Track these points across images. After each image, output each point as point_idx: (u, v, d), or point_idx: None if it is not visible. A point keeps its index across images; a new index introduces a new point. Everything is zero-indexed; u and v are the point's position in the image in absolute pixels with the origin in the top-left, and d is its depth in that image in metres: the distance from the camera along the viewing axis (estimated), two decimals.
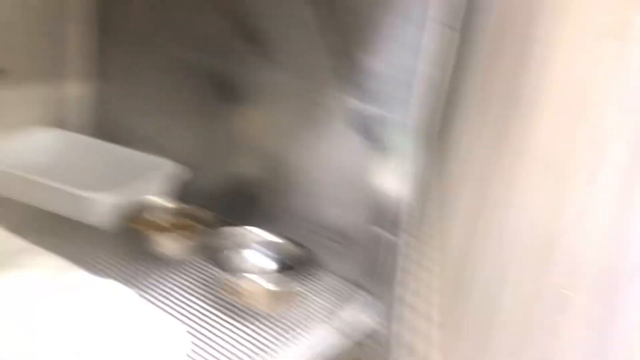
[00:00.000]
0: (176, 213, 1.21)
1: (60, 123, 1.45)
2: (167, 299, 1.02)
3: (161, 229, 1.15)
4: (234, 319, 0.99)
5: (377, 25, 1.04)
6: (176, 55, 1.32)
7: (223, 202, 1.28)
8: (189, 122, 1.36)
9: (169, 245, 1.12)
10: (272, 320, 1.01)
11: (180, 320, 0.96)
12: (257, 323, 0.99)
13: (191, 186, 1.30)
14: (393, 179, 1.09)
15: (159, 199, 1.22)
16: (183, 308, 1.00)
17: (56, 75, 1.44)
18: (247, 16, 1.19)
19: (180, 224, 1.17)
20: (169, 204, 1.23)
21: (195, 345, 0.91)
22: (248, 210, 1.29)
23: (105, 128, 1.48)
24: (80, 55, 1.46)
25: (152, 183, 1.25)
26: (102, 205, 1.11)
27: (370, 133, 1.09)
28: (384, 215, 1.10)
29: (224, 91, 1.27)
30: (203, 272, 1.12)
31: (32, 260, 0.96)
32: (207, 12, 1.25)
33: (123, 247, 1.14)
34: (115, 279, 0.97)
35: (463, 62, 1.04)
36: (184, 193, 1.29)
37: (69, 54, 1.45)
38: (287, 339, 0.97)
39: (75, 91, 1.47)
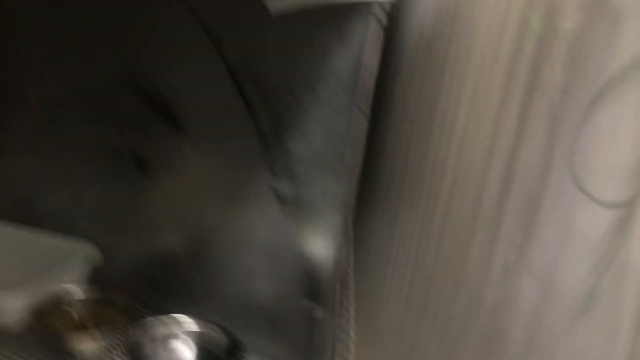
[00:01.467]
0: (92, 303, 1.15)
1: None
2: None
3: (76, 325, 1.09)
4: None
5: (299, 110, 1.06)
6: (85, 128, 1.27)
7: (144, 282, 1.24)
8: (103, 196, 1.31)
9: (85, 343, 1.06)
10: None
11: None
12: None
13: (109, 266, 1.26)
14: (316, 251, 1.09)
15: (73, 289, 1.17)
16: None
17: None
18: (167, 96, 1.17)
19: (98, 316, 1.12)
20: (84, 293, 1.17)
21: None
22: (170, 291, 1.25)
23: (16, 206, 1.40)
24: None
25: (66, 271, 1.19)
26: (10, 304, 1.05)
27: (292, 206, 1.09)
28: (311, 287, 1.10)
29: (139, 165, 1.24)
30: None
31: None
32: (123, 88, 1.21)
33: (35, 348, 1.07)
34: None
35: (375, 145, 1.07)
36: (100, 275, 1.24)
37: None
38: None
39: None
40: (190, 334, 1.10)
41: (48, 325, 1.07)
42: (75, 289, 1.16)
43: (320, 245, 1.08)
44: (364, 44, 0.98)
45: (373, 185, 1.07)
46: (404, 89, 0.90)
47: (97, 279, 1.23)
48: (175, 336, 1.09)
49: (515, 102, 0.32)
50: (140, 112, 1.19)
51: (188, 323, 1.10)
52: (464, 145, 0.41)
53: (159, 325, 1.09)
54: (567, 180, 0.25)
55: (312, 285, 1.10)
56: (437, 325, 0.41)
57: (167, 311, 1.12)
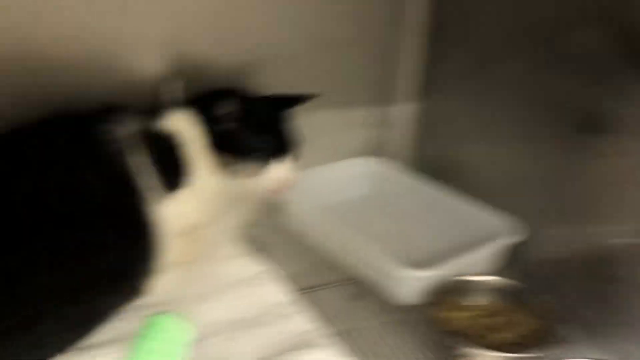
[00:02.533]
0: (503, 301, 0.90)
1: (379, 149, 1.31)
2: None
3: (476, 327, 0.85)
4: None
5: None
6: (523, 73, 1.02)
7: (572, 285, 0.94)
8: (534, 161, 1.02)
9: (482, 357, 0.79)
10: None
11: None
12: None
13: (528, 256, 0.99)
14: None
15: (482, 278, 0.92)
16: None
17: (379, 97, 1.28)
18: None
19: (507, 320, 0.86)
20: (495, 287, 0.91)
21: None
22: (609, 307, 0.90)
23: (427, 156, 1.28)
24: (407, 74, 1.27)
25: (482, 256, 0.95)
26: (411, 282, 0.88)
27: None
28: None
29: (589, 126, 0.92)
30: None
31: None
32: (581, 22, 0.91)
33: (415, 336, 0.87)
34: None
35: None
36: (516, 266, 0.98)
37: (395, 73, 1.27)
38: None
39: (398, 114, 1.31)
40: None
41: (440, 319, 0.85)
42: (484, 279, 0.92)
43: None
44: None
45: None
46: None
47: (512, 270, 0.97)
48: None
49: None
50: (602, 54, 0.89)
51: None
52: None
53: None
54: None
55: None
56: None
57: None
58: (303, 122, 1.01)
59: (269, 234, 1.08)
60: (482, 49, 1.11)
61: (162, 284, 0.83)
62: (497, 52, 1.08)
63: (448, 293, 0.89)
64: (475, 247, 0.94)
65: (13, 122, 0.77)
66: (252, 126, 0.91)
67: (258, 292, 0.86)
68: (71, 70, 0.93)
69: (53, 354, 0.70)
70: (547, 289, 0.90)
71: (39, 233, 0.68)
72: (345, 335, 0.84)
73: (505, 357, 0.77)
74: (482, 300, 0.91)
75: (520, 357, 0.78)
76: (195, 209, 0.90)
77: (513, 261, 1.01)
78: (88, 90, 0.92)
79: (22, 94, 0.88)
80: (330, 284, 0.96)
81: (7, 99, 0.87)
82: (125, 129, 0.81)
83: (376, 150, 1.32)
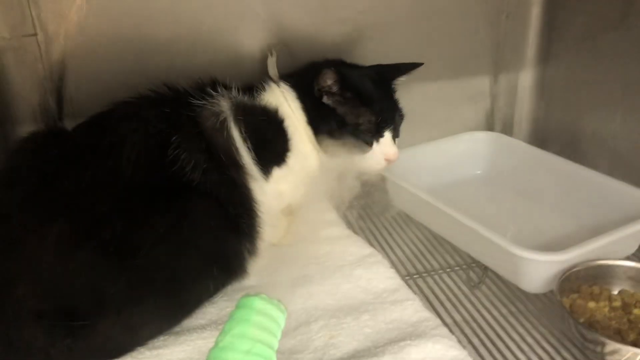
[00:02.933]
0: None
1: (494, 122, 1.22)
2: None
3: (621, 319, 0.73)
4: None
5: None
6: None
7: None
8: None
9: (627, 356, 0.65)
10: None
11: None
12: None
13: None
14: None
15: (625, 266, 0.79)
16: None
17: (493, 65, 1.18)
18: None
19: None
20: (635, 280, 0.78)
21: None
22: None
23: (548, 129, 1.18)
24: (524, 39, 1.16)
25: (622, 238, 0.81)
26: (541, 267, 0.77)
27: None
28: None
29: None
30: None
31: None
32: None
33: (546, 328, 0.75)
34: None
35: None
36: None
37: (511, 38, 1.15)
38: None
39: (514, 83, 1.20)
40: None
41: (576, 310, 0.74)
42: (625, 265, 0.79)
43: None
44: None
45: None
46: None
47: None
48: None
49: None
50: None
51: None
52: None
53: None
54: None
55: None
56: None
57: None
58: (410, 94, 0.93)
59: (375, 215, 1.01)
60: (610, 5, 0.97)
61: (261, 266, 0.80)
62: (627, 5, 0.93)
63: (584, 280, 0.78)
64: (614, 228, 0.80)
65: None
66: (355, 99, 0.85)
67: (365, 277, 0.78)
68: (179, 44, 0.92)
69: (152, 335, 0.68)
70: None
71: (140, 208, 0.66)
72: (464, 326, 0.75)
73: None
74: (623, 289, 0.78)
75: None
76: (296, 187, 0.85)
77: None
78: (192, 66, 0.90)
79: (135, 71, 0.89)
80: (445, 269, 0.87)
81: (122, 76, 0.88)
82: (226, 104, 0.78)
83: (490, 123, 1.21)
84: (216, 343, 0.59)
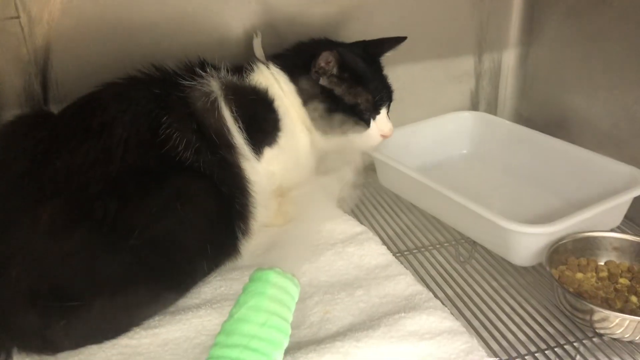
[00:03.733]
0: (630, 264, 0.78)
1: (478, 101, 1.22)
2: None
3: (608, 288, 0.75)
4: None
5: None
6: None
7: None
8: None
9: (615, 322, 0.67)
10: None
11: None
12: None
13: None
14: None
15: (610, 237, 0.80)
16: None
17: (477, 45, 1.17)
18: None
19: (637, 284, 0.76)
20: (620, 251, 0.79)
21: None
22: None
23: (532, 108, 1.18)
24: (508, 18, 1.16)
25: (607, 210, 0.82)
26: (529, 240, 0.78)
27: None
28: None
29: None
30: None
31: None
32: None
33: (537, 300, 0.77)
34: None
35: None
36: None
37: (495, 17, 1.16)
38: None
39: (498, 63, 1.20)
40: None
41: (564, 281, 0.75)
42: (611, 236, 0.80)
43: None
44: None
45: None
46: None
47: None
48: None
49: None
50: None
51: None
52: None
53: None
54: None
55: None
56: None
57: None
58: (396, 75, 0.93)
59: (366, 194, 1.02)
60: None
61: (254, 246, 0.80)
62: None
63: (571, 252, 0.79)
64: (598, 201, 0.82)
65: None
66: (351, 79, 0.86)
67: (357, 254, 0.79)
68: (165, 26, 0.91)
69: (147, 315, 0.68)
70: None
71: (133, 188, 0.66)
72: (456, 299, 0.76)
73: None
74: (609, 259, 0.80)
75: None
76: (287, 168, 0.85)
77: None
78: (179, 47, 0.89)
79: (121, 54, 0.88)
80: (435, 245, 0.88)
81: (108, 59, 0.87)
82: (216, 84, 0.78)
83: (475, 103, 1.22)
84: (230, 315, 0.59)
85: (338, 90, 0.85)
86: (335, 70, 0.84)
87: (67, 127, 0.69)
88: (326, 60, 0.83)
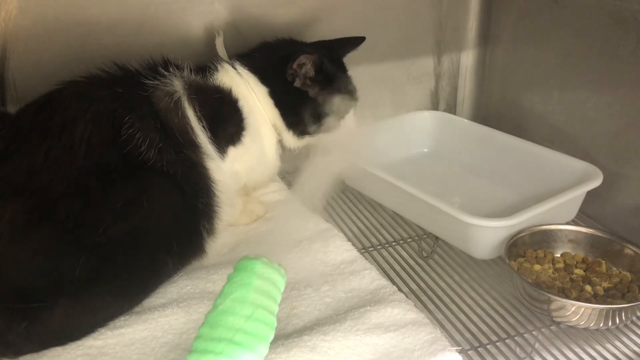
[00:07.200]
0: (588, 251, 0.82)
1: (438, 101, 1.25)
2: None
3: (564, 279, 0.78)
4: None
5: None
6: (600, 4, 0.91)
7: None
8: (609, 103, 0.93)
9: (571, 311, 0.70)
10: None
11: None
12: None
13: (609, 204, 0.93)
14: None
15: (565, 230, 0.84)
16: None
17: (436, 46, 1.20)
18: None
19: (599, 273, 0.78)
20: (575, 243, 0.83)
21: None
22: None
23: (490, 107, 1.21)
24: (466, 19, 1.19)
25: (561, 204, 0.85)
26: (489, 233, 0.81)
27: None
28: None
29: None
30: None
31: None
32: None
33: (497, 291, 0.79)
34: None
35: None
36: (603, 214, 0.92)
37: (453, 19, 1.18)
38: None
39: (457, 64, 1.23)
40: None
41: (523, 272, 0.78)
42: (565, 229, 0.84)
43: None
44: None
45: None
46: None
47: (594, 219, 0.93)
48: None
49: None
50: None
51: None
52: None
53: None
54: None
55: None
56: None
57: None
58: (357, 77, 0.94)
59: (331, 192, 1.03)
60: None
61: (220, 245, 0.80)
62: None
63: (529, 245, 0.82)
64: (554, 195, 0.85)
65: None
66: (324, 81, 0.86)
67: (323, 250, 0.80)
68: (126, 26, 0.90)
69: (113, 316, 0.67)
70: (632, 238, 0.81)
71: (96, 187, 0.65)
72: (420, 293, 0.78)
73: (603, 308, 0.70)
74: (565, 251, 0.83)
75: (616, 309, 0.70)
76: (252, 167, 0.86)
77: (595, 209, 0.93)
78: (140, 48, 0.88)
79: (81, 54, 0.87)
80: (398, 241, 0.90)
81: (67, 59, 0.86)
82: (179, 84, 0.77)
83: (435, 102, 1.25)
84: (215, 306, 0.58)
85: (312, 92, 0.86)
86: (312, 73, 0.85)
87: (26, 126, 0.68)
88: (303, 63, 0.84)
